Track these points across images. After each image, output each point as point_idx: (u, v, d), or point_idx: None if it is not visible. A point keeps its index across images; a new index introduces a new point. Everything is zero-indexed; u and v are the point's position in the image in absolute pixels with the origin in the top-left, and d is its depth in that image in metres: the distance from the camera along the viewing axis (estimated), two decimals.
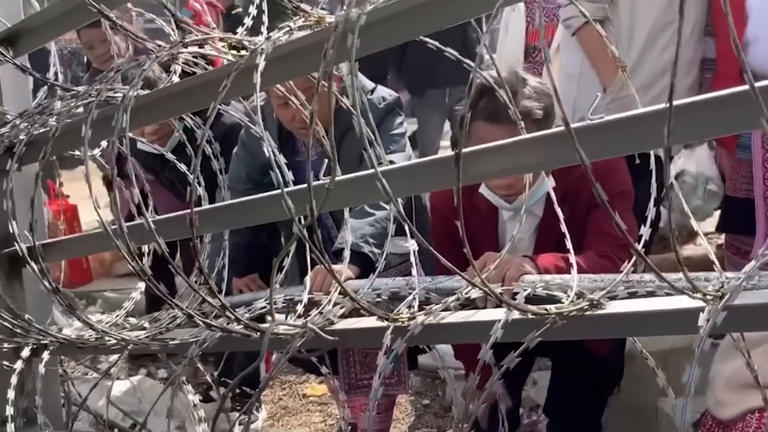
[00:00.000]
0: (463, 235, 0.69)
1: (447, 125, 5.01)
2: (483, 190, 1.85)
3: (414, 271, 1.27)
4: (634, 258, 0.96)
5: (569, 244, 1.10)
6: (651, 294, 0.97)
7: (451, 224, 1.87)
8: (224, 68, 1.01)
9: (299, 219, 0.86)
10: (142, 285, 1.57)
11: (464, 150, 0.70)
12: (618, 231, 0.67)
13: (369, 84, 2.19)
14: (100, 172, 3.18)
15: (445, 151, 6.13)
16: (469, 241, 0.73)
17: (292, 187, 0.99)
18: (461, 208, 0.68)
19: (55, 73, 1.46)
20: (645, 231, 0.96)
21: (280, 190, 0.87)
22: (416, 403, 2.90)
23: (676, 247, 0.69)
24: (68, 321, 2.36)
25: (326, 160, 2.10)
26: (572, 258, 1.07)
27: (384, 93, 2.17)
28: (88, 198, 1.02)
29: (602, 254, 1.70)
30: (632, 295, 0.95)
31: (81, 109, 1.21)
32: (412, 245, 1.28)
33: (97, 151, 1.39)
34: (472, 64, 1.19)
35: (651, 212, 1.00)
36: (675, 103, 0.61)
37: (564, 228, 1.12)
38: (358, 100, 0.75)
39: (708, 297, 0.76)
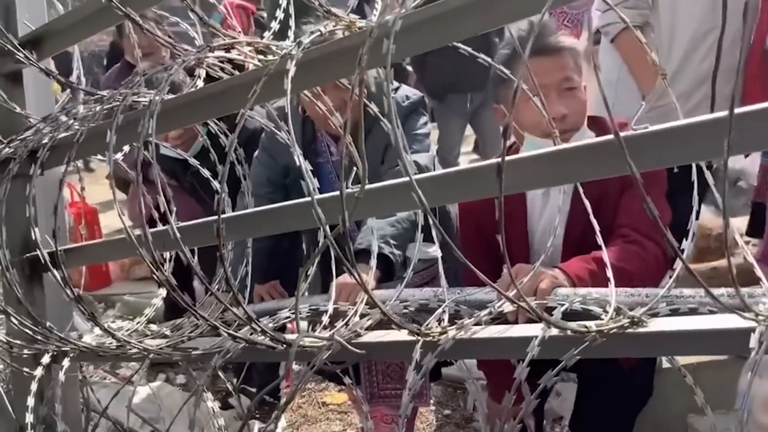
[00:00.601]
0: (504, 251, 0.66)
1: (468, 129, 4.96)
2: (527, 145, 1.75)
3: (443, 282, 1.24)
4: (677, 272, 0.92)
5: (596, 225, 1.07)
6: (693, 310, 0.93)
7: (483, 226, 1.82)
8: (253, 73, 0.98)
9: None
10: (162, 291, 1.55)
11: (506, 159, 0.66)
12: (650, 216, 0.63)
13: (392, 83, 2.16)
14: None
15: (466, 156, 6.09)
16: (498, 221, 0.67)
17: (320, 195, 0.96)
18: (503, 221, 0.65)
19: (78, 77, 1.45)
20: (687, 245, 0.93)
21: (308, 199, 0.84)
22: (438, 413, 2.86)
23: (731, 262, 0.66)
24: (88, 325, 2.35)
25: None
26: (608, 273, 1.03)
27: (408, 92, 2.13)
28: (105, 200, 1.01)
29: (630, 240, 1.65)
30: (674, 312, 0.91)
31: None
32: (436, 251, 1.25)
33: (119, 156, 1.37)
34: (506, 70, 1.17)
35: (693, 225, 0.96)
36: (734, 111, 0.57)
37: (588, 206, 1.08)
38: (394, 109, 0.72)
39: (760, 317, 0.72)
